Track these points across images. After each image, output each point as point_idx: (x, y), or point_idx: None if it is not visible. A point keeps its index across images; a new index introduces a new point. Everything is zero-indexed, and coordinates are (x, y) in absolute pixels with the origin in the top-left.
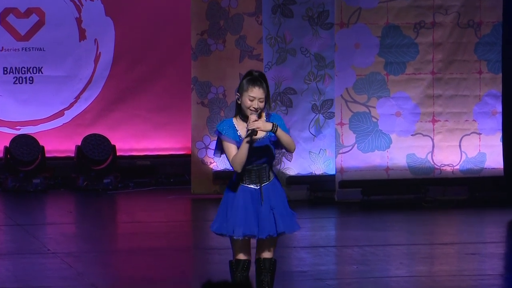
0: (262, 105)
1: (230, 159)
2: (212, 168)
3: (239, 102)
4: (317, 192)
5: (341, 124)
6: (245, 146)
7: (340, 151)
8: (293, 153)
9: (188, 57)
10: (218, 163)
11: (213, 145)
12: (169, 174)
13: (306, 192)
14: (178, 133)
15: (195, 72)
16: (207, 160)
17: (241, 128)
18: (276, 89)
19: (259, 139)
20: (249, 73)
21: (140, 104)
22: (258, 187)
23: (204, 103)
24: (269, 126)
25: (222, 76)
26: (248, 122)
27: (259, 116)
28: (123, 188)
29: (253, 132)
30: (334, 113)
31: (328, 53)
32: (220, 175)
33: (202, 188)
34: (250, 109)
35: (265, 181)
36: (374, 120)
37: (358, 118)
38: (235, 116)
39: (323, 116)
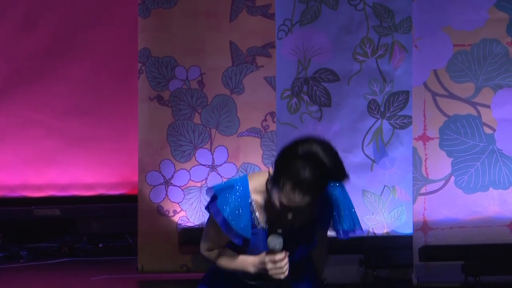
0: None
1: (206, 251)
2: (177, 223)
3: (270, 174)
4: (378, 269)
5: (424, 138)
6: (241, 266)
7: (423, 191)
8: None
9: (133, 11)
10: (190, 212)
11: (179, 179)
12: (96, 234)
13: (357, 268)
14: (114, 156)
15: (146, 40)
16: (168, 207)
17: (261, 215)
18: (301, 73)
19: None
20: (301, 160)
21: (39, 102)
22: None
23: (163, 99)
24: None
25: (197, 47)
26: (266, 257)
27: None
28: (8, 260)
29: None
30: (411, 118)
31: (399, 2)
32: (193, 237)
33: (159, 262)
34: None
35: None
36: (488, 131)
37: (456, 128)
38: (256, 186)
39: (390, 123)
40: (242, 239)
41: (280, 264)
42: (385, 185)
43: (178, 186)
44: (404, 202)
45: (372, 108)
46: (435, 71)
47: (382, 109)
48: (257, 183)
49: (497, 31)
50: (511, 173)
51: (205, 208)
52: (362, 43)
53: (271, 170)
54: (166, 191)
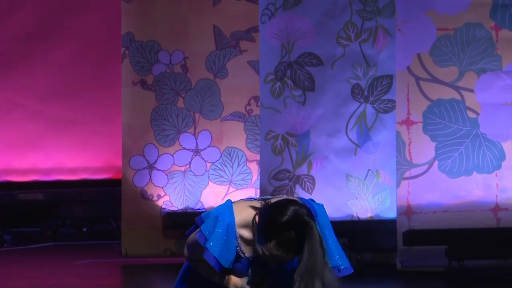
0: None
1: (190, 259)
2: (161, 207)
3: (256, 221)
4: (362, 253)
5: (408, 123)
6: (223, 282)
7: (406, 175)
8: (315, 181)
9: None
10: (174, 197)
11: (163, 163)
12: (79, 219)
13: None
14: (97, 141)
15: (129, 24)
16: (152, 191)
17: (246, 248)
18: (284, 57)
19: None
20: (288, 222)
21: (22, 86)
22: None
23: (146, 83)
24: None
25: (180, 31)
26: (247, 287)
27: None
28: None
29: None
30: (394, 102)
31: None
32: (177, 221)
33: (142, 246)
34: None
35: None
36: (472, 115)
37: (440, 112)
38: (242, 221)
39: (374, 108)
40: (223, 268)
41: None
42: (369, 169)
43: (162, 171)
44: (388, 187)
45: (356, 92)
46: (418, 55)
47: (365, 93)
48: (243, 217)
49: (481, 15)
50: (495, 158)
51: (189, 232)
52: (345, 27)
53: (257, 218)
54: (150, 175)
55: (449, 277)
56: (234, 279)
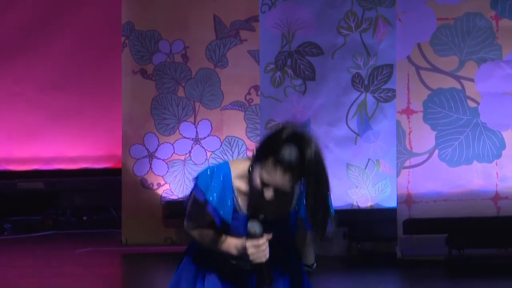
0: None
1: (190, 230)
2: (161, 196)
3: (253, 154)
4: (363, 242)
5: (408, 112)
6: (224, 248)
7: (407, 164)
8: None
9: None
10: (174, 185)
11: (163, 152)
12: (79, 207)
13: (342, 241)
14: (98, 130)
15: (129, 13)
16: (152, 180)
17: (242, 201)
18: (285, 47)
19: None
20: (286, 139)
21: (23, 76)
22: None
23: (146, 73)
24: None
25: (180, 21)
26: (247, 242)
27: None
28: None
29: (249, 263)
30: (394, 91)
31: None
32: (177, 210)
33: (142, 235)
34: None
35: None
36: (472, 104)
37: (440, 101)
38: (239, 173)
39: (374, 97)
40: (223, 222)
41: (260, 249)
42: (369, 159)
43: (162, 159)
44: (388, 175)
45: (356, 81)
46: (419, 45)
47: (366, 82)
48: (239, 169)
49: (481, 5)
50: (495, 147)
51: (189, 194)
52: (346, 17)
53: (254, 152)
54: (150, 164)
55: (449, 265)
56: (233, 242)
